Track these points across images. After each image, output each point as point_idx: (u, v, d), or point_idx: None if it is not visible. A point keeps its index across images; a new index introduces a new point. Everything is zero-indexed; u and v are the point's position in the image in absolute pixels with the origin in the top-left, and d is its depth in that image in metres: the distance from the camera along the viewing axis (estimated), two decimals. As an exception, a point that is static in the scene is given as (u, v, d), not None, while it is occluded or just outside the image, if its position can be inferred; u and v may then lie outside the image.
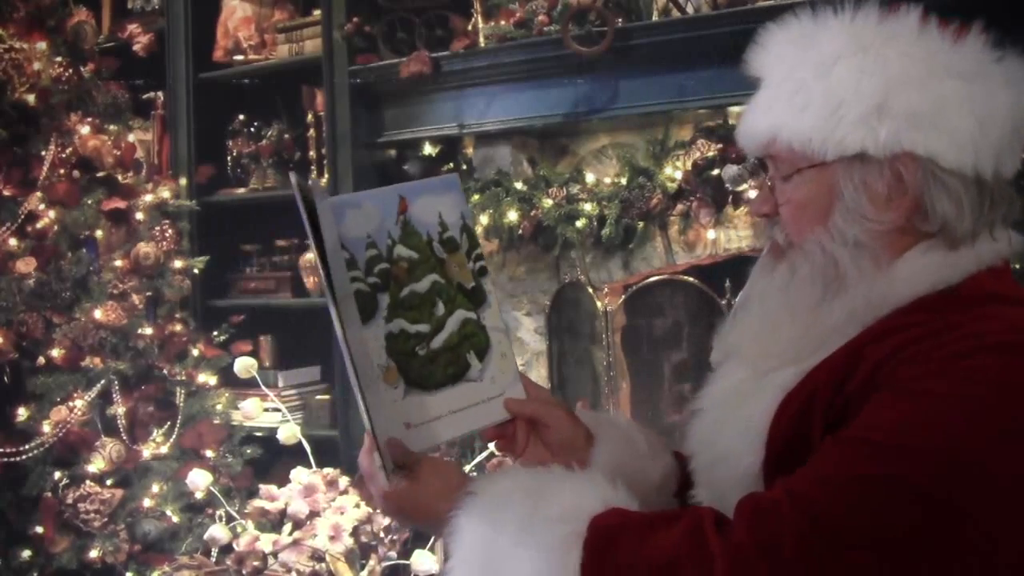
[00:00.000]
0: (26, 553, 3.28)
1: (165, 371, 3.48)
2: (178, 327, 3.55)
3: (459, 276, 1.32)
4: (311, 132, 3.85)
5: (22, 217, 3.31)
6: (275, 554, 2.94)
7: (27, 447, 3.21)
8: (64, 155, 3.41)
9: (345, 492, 3.03)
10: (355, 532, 2.94)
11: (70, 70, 3.46)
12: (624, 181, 3.21)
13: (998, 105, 1.14)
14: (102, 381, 3.32)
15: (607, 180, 3.28)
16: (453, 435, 1.32)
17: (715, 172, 3.04)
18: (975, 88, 1.14)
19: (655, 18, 3.13)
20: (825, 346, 1.14)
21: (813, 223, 1.17)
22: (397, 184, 1.32)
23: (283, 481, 3.12)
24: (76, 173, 3.44)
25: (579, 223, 3.24)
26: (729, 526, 1.03)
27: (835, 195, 1.16)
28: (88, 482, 3.26)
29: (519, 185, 3.37)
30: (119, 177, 3.54)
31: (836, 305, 1.15)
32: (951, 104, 1.13)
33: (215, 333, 3.75)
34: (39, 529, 3.27)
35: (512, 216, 3.31)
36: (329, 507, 2.98)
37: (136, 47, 4.03)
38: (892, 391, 1.05)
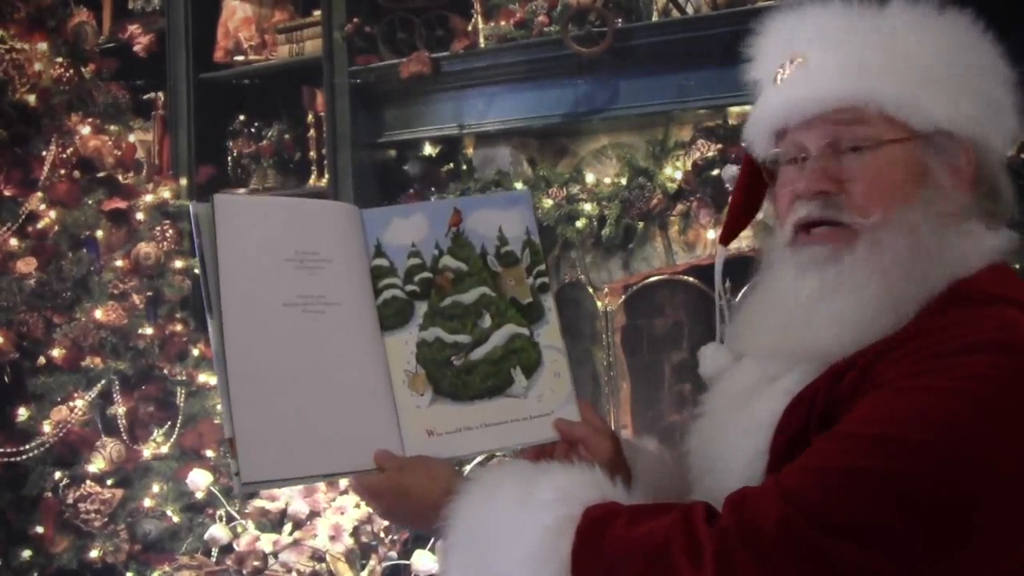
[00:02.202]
0: (26, 553, 3.28)
1: (165, 371, 3.47)
2: (178, 327, 3.55)
3: (515, 291, 1.32)
4: (311, 132, 3.85)
5: (23, 217, 3.31)
6: (275, 554, 2.94)
7: (27, 447, 3.21)
8: (65, 155, 3.41)
9: (345, 492, 3.03)
10: (355, 532, 2.94)
11: (71, 70, 3.46)
12: (624, 181, 3.21)
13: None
14: (102, 381, 3.32)
15: (607, 180, 3.28)
16: (485, 448, 1.30)
17: (715, 172, 3.04)
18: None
19: (655, 18, 3.13)
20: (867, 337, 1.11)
21: (898, 200, 1.12)
22: (459, 197, 1.33)
23: (283, 481, 3.11)
24: (77, 173, 3.44)
25: (579, 223, 3.24)
26: (718, 516, 1.04)
27: (922, 171, 1.13)
28: (88, 482, 3.26)
29: (519, 185, 3.37)
30: (120, 177, 3.54)
31: (912, 286, 1.10)
32: (1005, 100, 1.17)
33: (215, 333, 3.74)
34: (39, 529, 3.27)
35: (512, 216, 3.31)
36: (329, 507, 2.98)
37: (137, 47, 4.04)
38: (879, 389, 1.05)
